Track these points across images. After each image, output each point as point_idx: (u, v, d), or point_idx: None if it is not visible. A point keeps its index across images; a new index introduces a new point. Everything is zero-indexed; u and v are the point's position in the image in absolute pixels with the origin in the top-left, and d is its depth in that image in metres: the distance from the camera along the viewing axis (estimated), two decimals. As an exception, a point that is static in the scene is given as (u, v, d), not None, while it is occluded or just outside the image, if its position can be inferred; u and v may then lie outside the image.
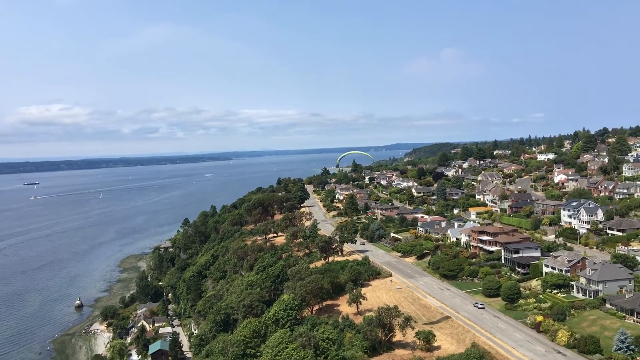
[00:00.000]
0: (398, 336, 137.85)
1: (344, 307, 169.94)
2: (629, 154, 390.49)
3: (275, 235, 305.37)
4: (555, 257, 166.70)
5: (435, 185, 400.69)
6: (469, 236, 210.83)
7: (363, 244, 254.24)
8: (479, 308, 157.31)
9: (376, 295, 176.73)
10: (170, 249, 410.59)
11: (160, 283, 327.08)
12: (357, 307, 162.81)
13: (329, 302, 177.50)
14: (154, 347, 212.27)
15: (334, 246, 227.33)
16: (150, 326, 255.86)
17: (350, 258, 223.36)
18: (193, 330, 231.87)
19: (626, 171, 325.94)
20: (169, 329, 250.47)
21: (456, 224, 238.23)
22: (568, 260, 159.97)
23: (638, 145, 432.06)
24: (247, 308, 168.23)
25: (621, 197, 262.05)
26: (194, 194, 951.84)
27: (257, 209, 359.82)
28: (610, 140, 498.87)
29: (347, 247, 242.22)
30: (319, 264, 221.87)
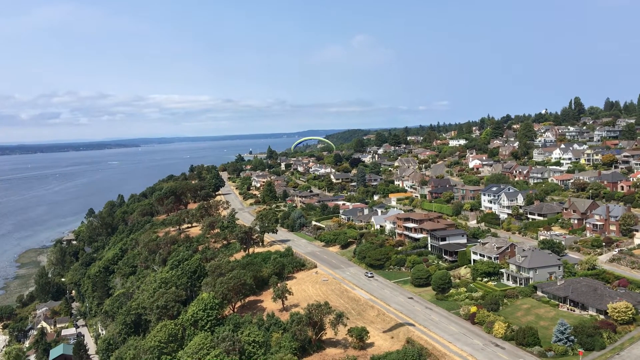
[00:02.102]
0: (329, 334, 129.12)
1: (268, 303, 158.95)
2: (537, 140, 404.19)
3: (189, 225, 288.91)
4: (484, 244, 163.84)
5: (353, 171, 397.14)
6: (393, 223, 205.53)
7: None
8: (369, 277, 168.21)
9: (302, 288, 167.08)
10: (74, 242, 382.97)
11: (63, 279, 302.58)
12: (283, 303, 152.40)
13: (252, 298, 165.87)
14: (55, 352, 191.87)
15: (254, 237, 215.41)
16: (52, 327, 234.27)
17: (272, 249, 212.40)
18: (100, 331, 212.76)
19: (536, 156, 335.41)
20: (72, 331, 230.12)
21: (379, 211, 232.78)
22: (497, 247, 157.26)
23: (542, 131, 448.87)
24: (161, 309, 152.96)
25: (536, 181, 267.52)
26: (99, 182, 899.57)
27: (169, 197, 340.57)
28: (515, 126, 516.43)
29: (267, 237, 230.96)
30: (238, 256, 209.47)
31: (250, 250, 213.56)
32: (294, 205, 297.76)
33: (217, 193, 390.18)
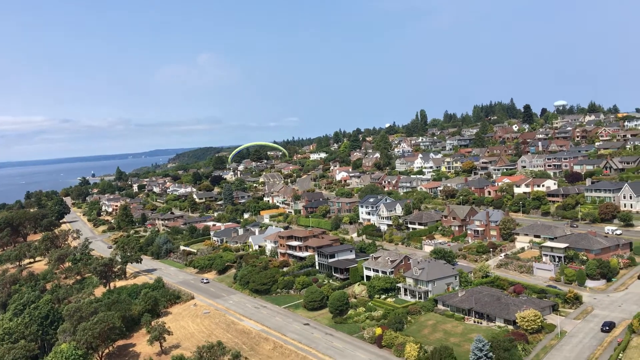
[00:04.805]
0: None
1: (142, 346, 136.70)
2: (396, 150, 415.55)
3: (32, 260, 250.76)
4: (376, 258, 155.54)
5: (217, 189, 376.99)
6: (275, 243, 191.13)
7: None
8: (204, 283, 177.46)
9: (181, 325, 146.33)
10: None
11: None
12: (161, 345, 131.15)
13: (121, 342, 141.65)
14: None
15: (115, 269, 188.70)
16: None
17: (138, 281, 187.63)
18: None
19: (398, 166, 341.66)
20: None
21: (256, 230, 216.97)
22: (390, 261, 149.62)
23: (396, 142, 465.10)
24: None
25: (405, 190, 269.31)
26: None
27: (4, 230, 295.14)
28: (368, 139, 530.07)
29: (129, 267, 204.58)
30: (98, 292, 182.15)
31: (112, 284, 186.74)
32: (156, 229, 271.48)
33: (62, 221, 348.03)
